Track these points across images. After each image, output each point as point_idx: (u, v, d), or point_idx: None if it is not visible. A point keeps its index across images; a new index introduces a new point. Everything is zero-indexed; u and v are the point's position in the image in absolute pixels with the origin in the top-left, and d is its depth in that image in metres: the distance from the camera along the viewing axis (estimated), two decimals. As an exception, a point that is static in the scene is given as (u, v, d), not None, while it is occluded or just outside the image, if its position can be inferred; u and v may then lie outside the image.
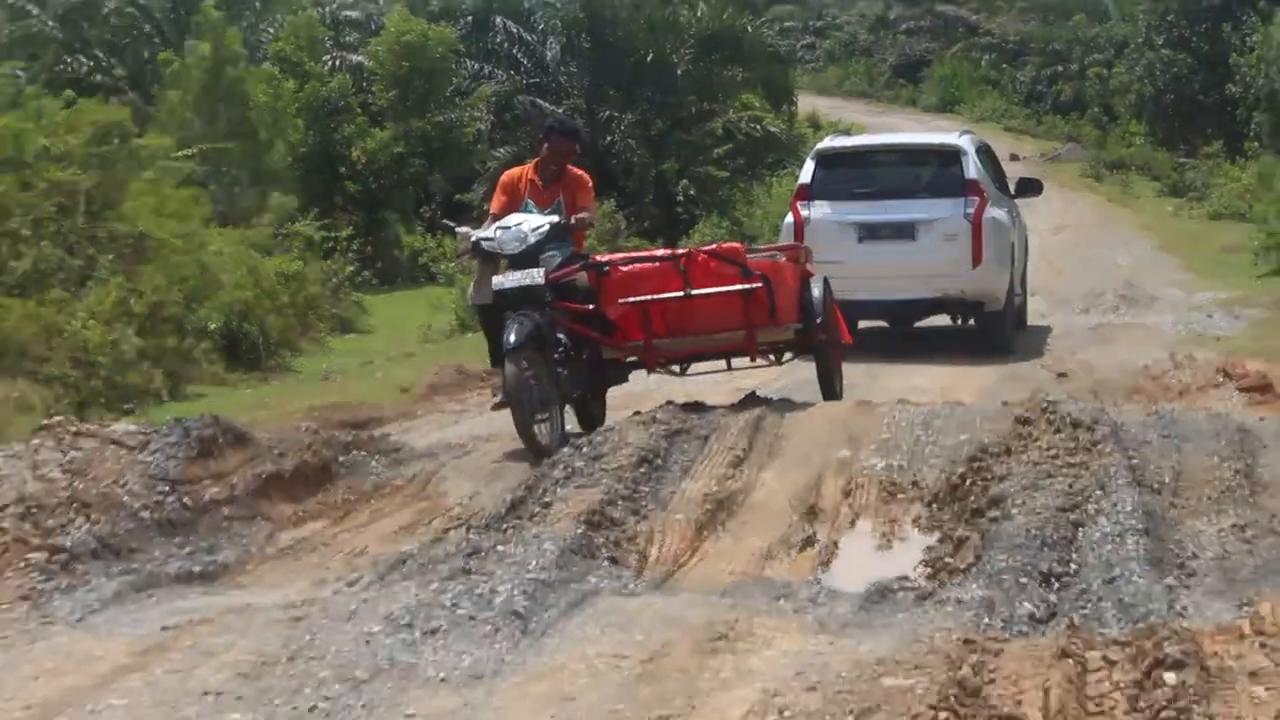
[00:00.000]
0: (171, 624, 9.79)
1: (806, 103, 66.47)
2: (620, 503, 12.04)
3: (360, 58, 46.77)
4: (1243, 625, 8.71)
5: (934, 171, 22.27)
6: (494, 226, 14.65)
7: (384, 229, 42.13)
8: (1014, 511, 11.22)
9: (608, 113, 48.65)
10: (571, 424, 15.46)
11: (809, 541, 11.59)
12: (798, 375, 19.42)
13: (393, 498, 13.37)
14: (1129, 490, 11.42)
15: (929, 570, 10.73)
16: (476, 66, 49.10)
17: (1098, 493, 11.46)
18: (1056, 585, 10.05)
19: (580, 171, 15.71)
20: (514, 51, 50.34)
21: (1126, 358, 20.37)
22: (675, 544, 11.39)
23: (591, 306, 15.06)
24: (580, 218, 15.18)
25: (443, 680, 8.64)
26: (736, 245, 15.98)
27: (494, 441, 15.07)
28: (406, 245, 41.68)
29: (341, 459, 14.13)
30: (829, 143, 24.28)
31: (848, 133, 36.29)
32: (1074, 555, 10.45)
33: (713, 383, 18.90)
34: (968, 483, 12.35)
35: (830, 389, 16.10)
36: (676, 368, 16.33)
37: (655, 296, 15.01)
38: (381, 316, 33.27)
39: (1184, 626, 8.68)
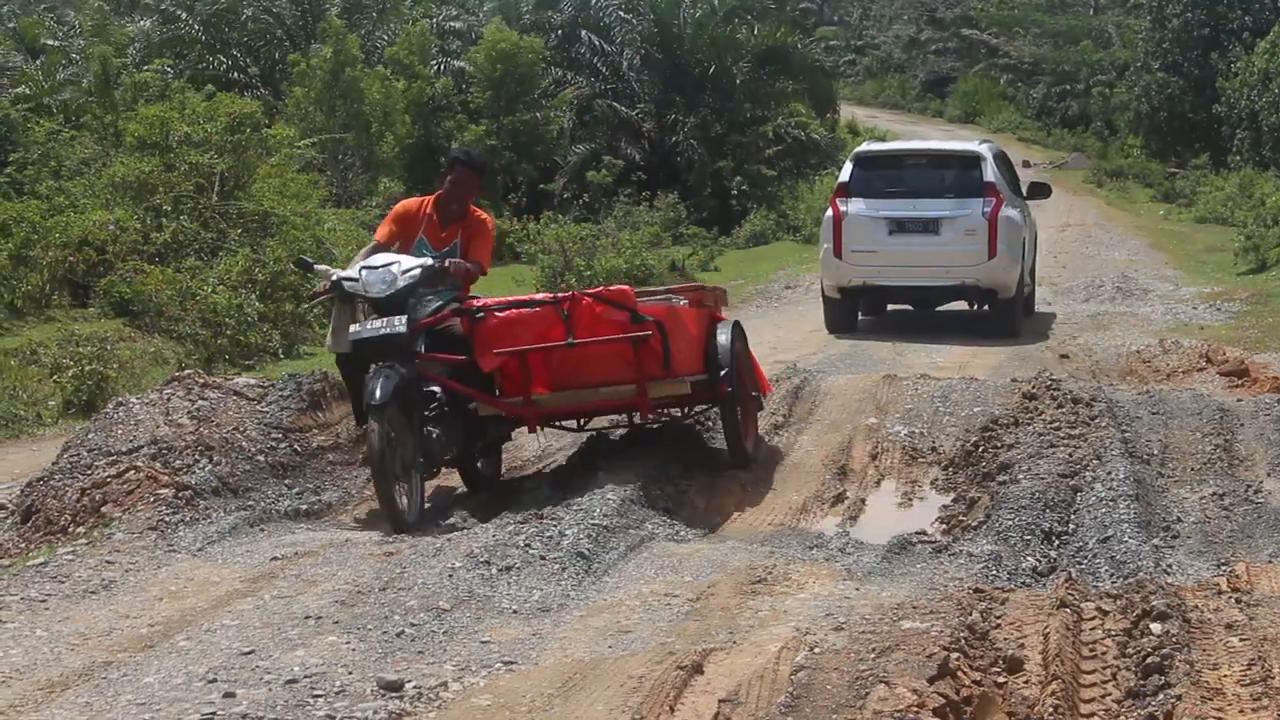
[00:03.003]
0: (279, 555, 9.78)
1: (846, 112, 66.29)
2: (675, 462, 12.06)
3: (461, 63, 46.64)
4: (1220, 582, 8.69)
5: (957, 174, 22.18)
6: (359, 266, 11.40)
7: (477, 212, 41.98)
8: (1020, 476, 11.17)
9: (673, 116, 48.61)
10: (452, 482, 12.67)
11: (839, 498, 11.56)
12: (832, 351, 19.36)
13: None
14: (1122, 460, 11.34)
15: (944, 526, 10.69)
16: (561, 73, 49.06)
17: (1094, 462, 11.38)
18: (1056, 543, 9.99)
19: (484, 216, 12.52)
20: (594, 60, 50.29)
21: (1121, 342, 20.22)
22: (722, 497, 11.38)
23: (462, 357, 11.57)
24: (458, 262, 11.77)
25: (515, 612, 8.58)
26: (624, 289, 12.03)
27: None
28: (495, 227, 41.58)
29: (432, 412, 14.07)
30: (866, 147, 24.17)
31: (882, 139, 36.02)
32: (1072, 517, 10.39)
33: (758, 354, 18.82)
34: (980, 450, 12.33)
35: (737, 449, 12.30)
36: (572, 423, 12.82)
37: (534, 346, 11.50)
38: (472, 289, 33.12)
39: (1169, 582, 8.64)
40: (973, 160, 22.19)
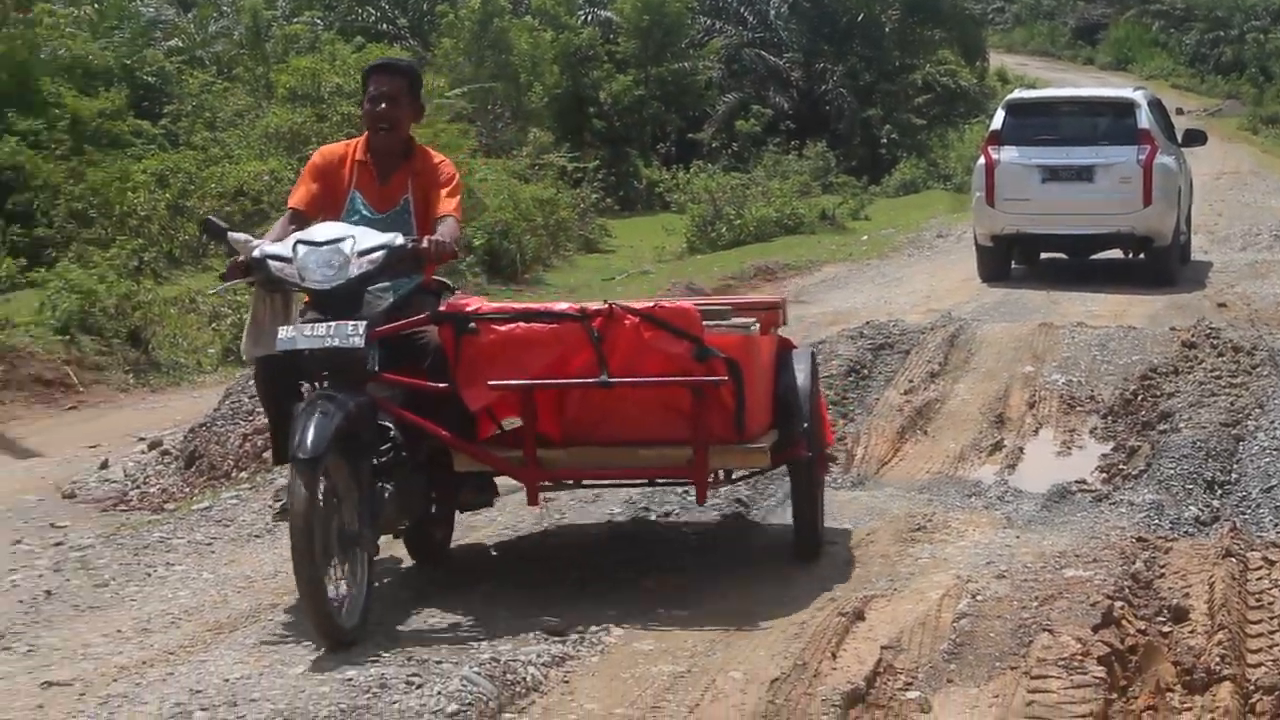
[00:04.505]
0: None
1: (995, 59, 65.50)
2: (832, 407, 12.00)
3: (608, 12, 46.64)
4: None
5: (1111, 121, 21.90)
6: (294, 239, 7.55)
7: (625, 162, 42.02)
8: (1181, 425, 11.07)
9: (822, 64, 48.37)
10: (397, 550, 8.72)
11: (997, 446, 11.46)
12: (985, 299, 19.22)
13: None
14: (1285, 409, 11.20)
15: (1104, 475, 10.57)
16: (709, 22, 48.93)
17: (1256, 411, 11.28)
18: (1219, 492, 9.88)
19: (440, 156, 8.43)
20: (741, 9, 50.14)
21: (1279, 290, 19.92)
22: (879, 445, 11.32)
23: (444, 385, 7.73)
24: (441, 240, 7.67)
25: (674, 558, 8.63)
26: (686, 307, 7.95)
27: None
28: (644, 176, 41.53)
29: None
30: (1018, 94, 23.95)
31: (1032, 87, 35.66)
32: (1235, 466, 10.28)
33: (910, 303, 18.75)
34: (1139, 398, 12.22)
35: (810, 532, 8.54)
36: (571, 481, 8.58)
37: (549, 380, 7.74)
38: (621, 238, 33.24)
39: (1336, 532, 8.52)
40: (1127, 107, 21.92)
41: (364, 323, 7.25)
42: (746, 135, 43.68)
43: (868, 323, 15.39)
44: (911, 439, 11.65)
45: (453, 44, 39.67)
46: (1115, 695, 6.43)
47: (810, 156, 40.97)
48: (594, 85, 43.27)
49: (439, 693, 6.00)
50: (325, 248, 7.41)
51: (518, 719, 5.95)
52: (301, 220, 7.95)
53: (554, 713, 6.03)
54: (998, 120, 22.18)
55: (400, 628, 7.36)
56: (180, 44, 37.66)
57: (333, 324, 7.21)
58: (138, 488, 10.69)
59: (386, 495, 7.49)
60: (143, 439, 11.79)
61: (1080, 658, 6.55)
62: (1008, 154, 21.41)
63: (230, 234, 7.92)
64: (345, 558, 7.14)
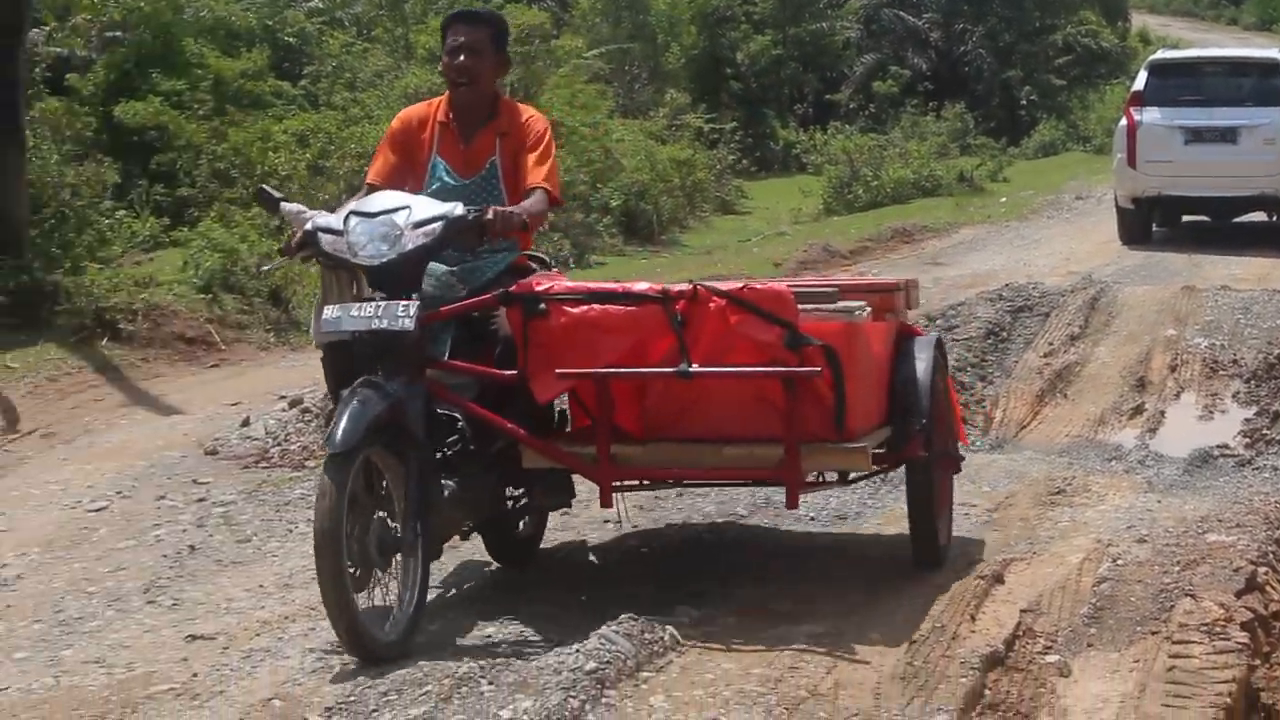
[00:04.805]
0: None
1: (1137, 20, 64.80)
2: (969, 369, 11.95)
3: (746, -28, 46.71)
4: None
5: (1255, 82, 21.64)
6: (348, 209, 6.84)
7: (762, 123, 41.98)
8: (1328, 390, 10.93)
9: (961, 25, 48.10)
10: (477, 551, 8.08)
11: (1138, 410, 11.37)
12: (1126, 262, 19.06)
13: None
14: None
15: (1247, 440, 10.47)
16: (847, -20, 48.87)
17: (1406, 376, 11.11)
18: (1365, 457, 9.74)
19: (531, 112, 7.65)
20: (880, -32, 50.03)
21: None
22: (1018, 407, 11.27)
23: (513, 372, 6.90)
24: (509, 211, 6.92)
25: (812, 519, 8.62)
26: (779, 289, 6.95)
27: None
28: (781, 138, 41.49)
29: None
30: (1161, 55, 23.76)
31: (1176, 47, 35.31)
32: (1381, 431, 10.13)
33: (1050, 265, 18.61)
34: (1284, 363, 12.05)
35: (928, 540, 7.60)
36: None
37: (624, 370, 6.83)
38: (758, 200, 33.21)
39: None
40: (1272, 67, 21.64)
41: (415, 303, 6.45)
42: (884, 96, 43.54)
43: (1007, 285, 15.29)
44: (1051, 402, 11.59)
45: (590, 4, 39.76)
46: (1258, 661, 6.37)
47: (948, 118, 40.78)
48: (731, 46, 43.22)
49: (577, 650, 6.02)
50: (377, 219, 6.62)
51: (656, 677, 5.96)
52: (377, 192, 7.07)
53: (692, 671, 6.04)
54: (1140, 81, 21.97)
55: (521, 604, 7.29)
56: (320, 5, 37.83)
57: (382, 304, 6.45)
58: (279, 445, 10.79)
59: (447, 493, 6.65)
60: (283, 397, 11.89)
61: (1223, 623, 6.49)
62: (1150, 115, 21.18)
63: (284, 204, 7.17)
64: (387, 564, 6.39)
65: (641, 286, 6.89)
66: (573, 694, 5.61)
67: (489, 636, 6.65)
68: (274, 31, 32.08)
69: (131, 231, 20.10)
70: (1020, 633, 6.58)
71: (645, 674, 5.98)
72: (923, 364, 7.56)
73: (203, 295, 15.78)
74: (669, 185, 27.88)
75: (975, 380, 11.82)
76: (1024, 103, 46.25)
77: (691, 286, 6.78)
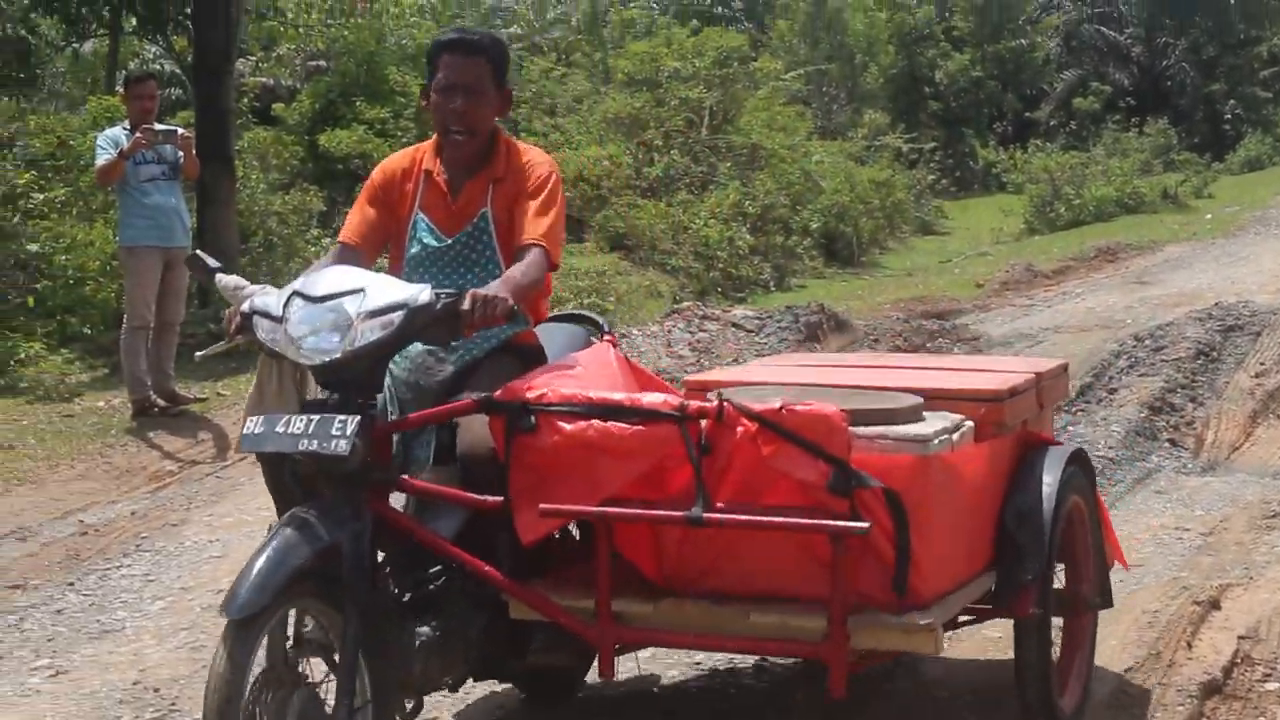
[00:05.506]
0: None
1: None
2: (1179, 390, 11.81)
3: (944, -10, 46.56)
4: None
5: None
6: (290, 290, 5.19)
7: (961, 142, 41.82)
8: None
9: (1163, 39, 47.57)
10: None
11: (1359, 432, 11.14)
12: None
13: (976, 380, 13.20)
14: None
15: None
16: (1047, -2, 48.54)
17: None
18: None
19: (531, 156, 5.96)
20: (1080, -16, 49.61)
21: None
22: (1229, 429, 11.10)
23: (498, 499, 5.24)
24: (486, 297, 5.15)
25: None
26: (827, 412, 4.94)
27: (1063, 332, 14.86)
28: (981, 157, 41.29)
29: (929, 345, 14.06)
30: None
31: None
32: None
33: (1259, 283, 18.32)
34: None
35: (1042, 703, 5.71)
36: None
37: (620, 511, 5.15)
38: (957, 220, 33.09)
39: None
40: None
41: (355, 420, 4.92)
42: (1085, 113, 43.11)
43: (1216, 304, 15.11)
44: (1264, 423, 11.41)
45: (788, 26, 39.85)
46: None
47: (1151, 134, 40.30)
48: (929, 65, 43.09)
49: None
50: (324, 305, 5.08)
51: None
52: (353, 258, 5.74)
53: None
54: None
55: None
56: (519, 30, 38.27)
57: (314, 418, 4.96)
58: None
59: (421, 642, 5.22)
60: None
61: None
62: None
63: (220, 276, 5.79)
64: None
65: (655, 399, 5.12)
66: None
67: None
68: (474, 58, 32.47)
69: (337, 258, 20.43)
70: (1238, 660, 6.51)
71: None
72: (1048, 488, 5.74)
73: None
74: (868, 206, 27.84)
75: (1185, 401, 11.68)
76: (1228, 117, 45.58)
77: (718, 402, 5.09)
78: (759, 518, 4.97)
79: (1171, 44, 47.48)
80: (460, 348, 5.66)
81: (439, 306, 5.07)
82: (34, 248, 15.56)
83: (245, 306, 5.25)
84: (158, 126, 12.07)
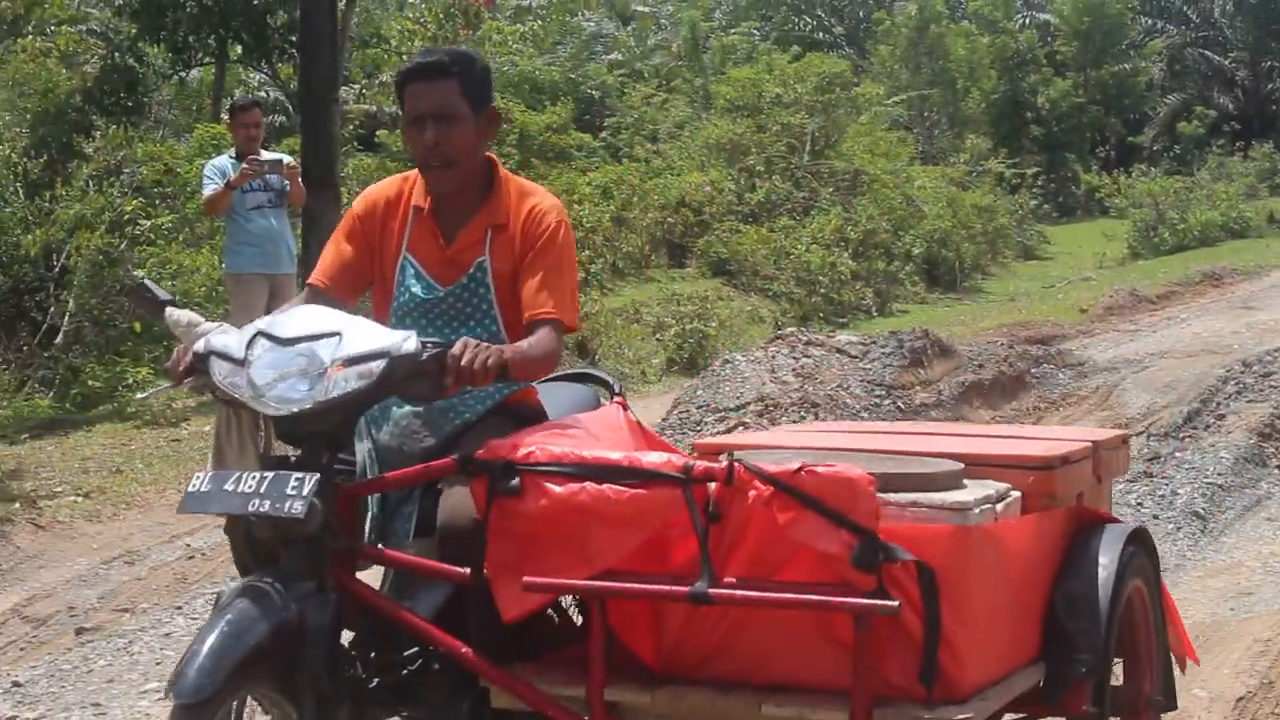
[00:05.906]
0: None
1: None
2: (1286, 418, 11.71)
3: (1046, 15, 46.29)
4: None
5: None
6: (254, 329, 4.48)
7: (1063, 167, 41.65)
8: None
9: (1269, 63, 47.16)
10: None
11: None
12: None
13: (1078, 406, 13.15)
14: None
15: None
16: (1149, 21, 48.11)
17: None
18: None
19: (539, 196, 5.15)
20: (1184, 8, 49.18)
21: None
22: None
23: (469, 571, 4.51)
24: (522, 352, 4.72)
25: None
26: (850, 474, 4.17)
27: (1168, 358, 14.74)
28: (1084, 182, 41.06)
29: (1033, 371, 13.98)
30: None
31: None
32: None
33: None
34: None
35: None
36: None
37: (615, 585, 4.39)
38: (1060, 245, 32.95)
39: None
40: None
41: (313, 478, 4.29)
42: (1189, 138, 42.81)
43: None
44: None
45: (889, 51, 39.85)
46: None
47: (1256, 157, 39.98)
48: (1031, 90, 42.94)
49: None
50: (294, 348, 4.43)
51: None
52: (325, 305, 4.91)
53: None
54: None
55: None
56: (620, 57, 38.45)
57: (269, 475, 4.34)
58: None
59: None
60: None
61: None
62: None
63: (170, 310, 5.26)
64: None
65: (656, 459, 4.43)
66: None
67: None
68: (577, 85, 32.65)
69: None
70: (1352, 690, 6.44)
71: None
72: (1105, 571, 4.92)
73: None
74: (970, 231, 27.77)
75: None
76: (1337, 140, 45.21)
77: (728, 463, 4.32)
78: (773, 594, 4.27)
79: (1277, 67, 47.12)
80: (451, 410, 4.99)
81: (424, 358, 4.44)
82: (140, 274, 15.70)
83: (200, 346, 4.55)
84: (264, 156, 12.18)
